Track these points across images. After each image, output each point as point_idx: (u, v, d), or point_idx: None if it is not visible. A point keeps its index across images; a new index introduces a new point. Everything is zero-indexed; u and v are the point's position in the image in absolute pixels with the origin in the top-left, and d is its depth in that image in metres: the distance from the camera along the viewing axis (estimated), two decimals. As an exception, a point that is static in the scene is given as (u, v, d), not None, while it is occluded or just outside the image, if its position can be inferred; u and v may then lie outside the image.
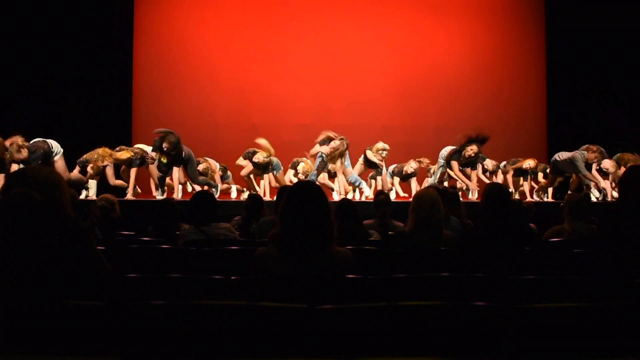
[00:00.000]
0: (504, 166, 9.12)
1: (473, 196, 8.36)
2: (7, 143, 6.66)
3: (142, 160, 7.75)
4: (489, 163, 8.94)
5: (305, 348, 1.88)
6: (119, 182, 7.81)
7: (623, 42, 10.12)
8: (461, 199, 5.92)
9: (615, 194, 7.90)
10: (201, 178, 8.11)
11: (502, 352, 1.90)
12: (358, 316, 1.90)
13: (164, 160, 7.71)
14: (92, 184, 7.78)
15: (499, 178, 8.98)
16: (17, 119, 8.17)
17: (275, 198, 5.44)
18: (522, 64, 11.64)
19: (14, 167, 6.61)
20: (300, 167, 8.78)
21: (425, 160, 8.84)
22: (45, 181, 1.95)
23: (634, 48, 10.02)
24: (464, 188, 8.47)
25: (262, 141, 8.24)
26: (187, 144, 8.77)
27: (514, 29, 11.76)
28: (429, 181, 9.01)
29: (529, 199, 8.72)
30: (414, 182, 8.95)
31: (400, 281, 2.51)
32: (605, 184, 8.16)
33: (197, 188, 7.78)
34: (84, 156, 7.61)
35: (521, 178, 9.15)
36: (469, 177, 8.44)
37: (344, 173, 8.00)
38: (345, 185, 8.23)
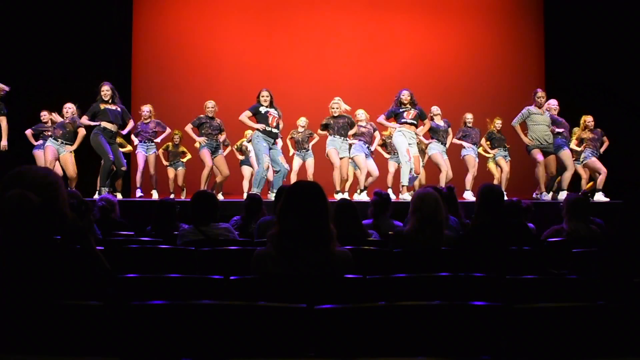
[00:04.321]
0: None
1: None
2: None
3: None
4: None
5: (304, 348, 1.87)
6: None
7: (622, 41, 10.11)
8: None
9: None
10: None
11: (501, 352, 1.90)
12: (357, 316, 1.90)
13: None
14: None
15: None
16: (16, 117, 8.14)
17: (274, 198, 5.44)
18: (521, 63, 11.65)
19: None
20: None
21: None
22: (43, 181, 1.95)
23: (633, 47, 10.01)
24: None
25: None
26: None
27: (512, 28, 11.77)
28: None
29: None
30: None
31: (399, 281, 2.50)
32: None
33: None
34: None
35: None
36: None
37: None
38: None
